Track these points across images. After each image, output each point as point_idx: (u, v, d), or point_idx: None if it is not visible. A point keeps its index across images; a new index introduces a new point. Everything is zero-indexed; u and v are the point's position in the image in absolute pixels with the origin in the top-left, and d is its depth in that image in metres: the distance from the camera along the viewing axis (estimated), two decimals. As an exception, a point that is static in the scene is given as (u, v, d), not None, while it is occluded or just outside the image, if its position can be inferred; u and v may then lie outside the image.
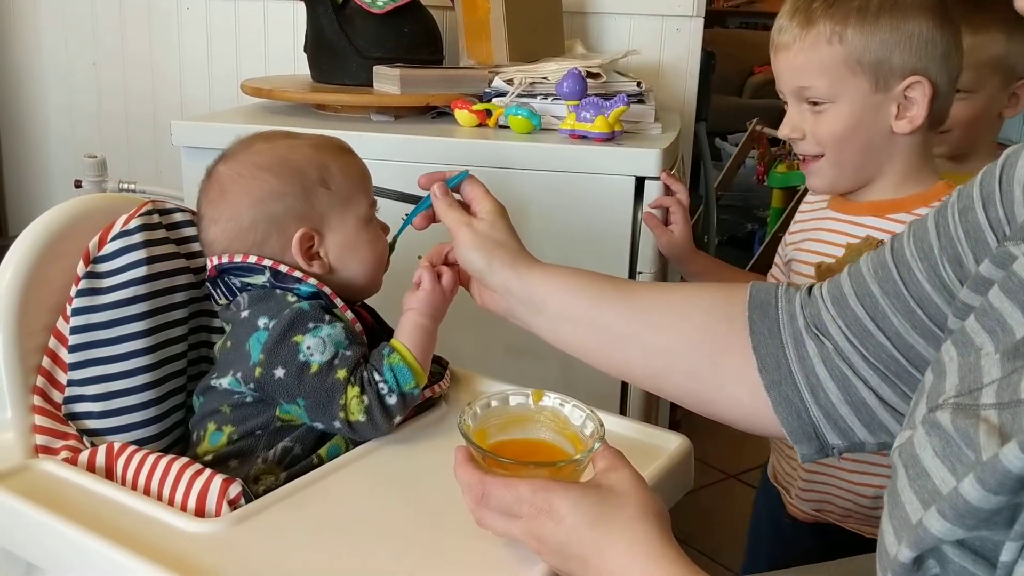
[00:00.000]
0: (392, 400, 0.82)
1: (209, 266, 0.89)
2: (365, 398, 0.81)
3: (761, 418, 0.74)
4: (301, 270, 0.87)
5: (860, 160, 1.05)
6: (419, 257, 0.90)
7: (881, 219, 1.05)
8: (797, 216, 1.23)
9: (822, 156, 1.06)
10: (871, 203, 1.07)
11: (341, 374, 0.81)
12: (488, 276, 0.82)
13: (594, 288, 0.81)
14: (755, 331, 0.74)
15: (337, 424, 0.81)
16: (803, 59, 1.02)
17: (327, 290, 0.87)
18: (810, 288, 0.75)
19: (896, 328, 0.67)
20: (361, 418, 0.81)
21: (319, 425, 0.83)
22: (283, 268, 0.86)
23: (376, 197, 0.94)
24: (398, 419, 0.83)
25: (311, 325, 0.82)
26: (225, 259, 0.87)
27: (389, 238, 0.94)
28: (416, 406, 0.88)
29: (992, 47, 1.19)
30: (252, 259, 0.86)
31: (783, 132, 1.08)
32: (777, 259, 1.26)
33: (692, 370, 0.77)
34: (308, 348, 0.81)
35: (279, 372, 0.81)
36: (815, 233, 1.14)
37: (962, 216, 0.63)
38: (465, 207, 0.86)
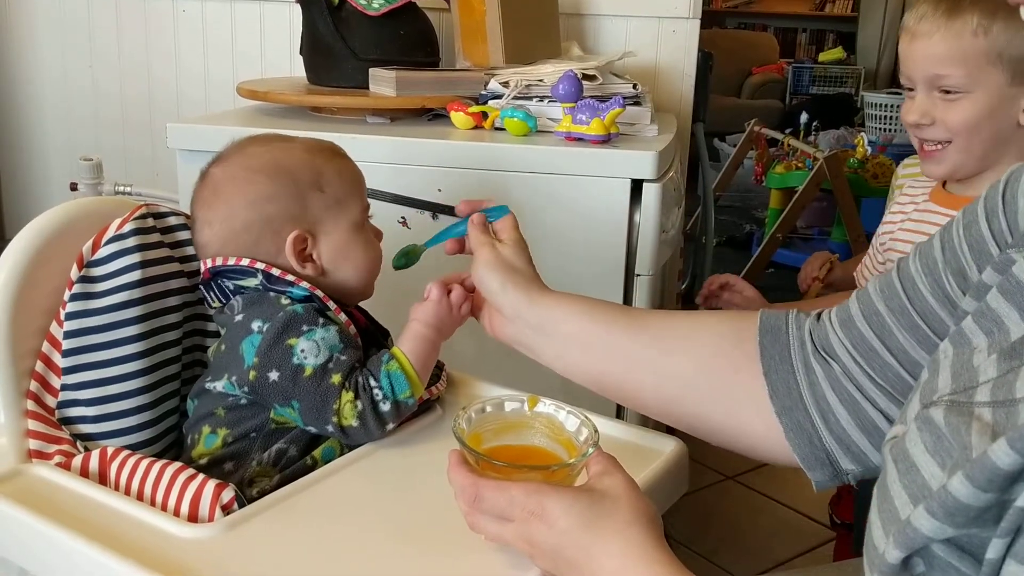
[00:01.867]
0: (386, 407, 0.81)
1: (203, 269, 0.89)
2: (359, 403, 0.80)
3: (773, 445, 0.73)
4: (294, 273, 0.87)
5: (985, 149, 1.09)
6: None
7: None
8: (893, 207, 1.27)
9: (948, 143, 1.10)
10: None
11: (336, 379, 0.81)
12: (500, 297, 0.82)
13: (605, 314, 0.81)
14: (766, 356, 0.74)
15: (330, 428, 0.81)
16: (944, 48, 1.05)
17: (319, 293, 0.87)
18: (819, 313, 0.75)
19: (902, 345, 0.67)
20: (354, 423, 0.81)
21: (312, 429, 0.83)
22: (275, 271, 0.86)
23: (367, 203, 0.94)
24: (391, 426, 0.83)
25: (305, 328, 0.82)
26: (219, 261, 0.87)
27: (421, 243, 0.93)
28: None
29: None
30: (245, 262, 0.86)
31: (911, 118, 1.10)
32: (871, 252, 1.31)
33: (704, 396, 0.76)
34: (302, 351, 0.81)
35: (273, 375, 0.81)
36: (919, 226, 1.18)
37: (966, 231, 0.64)
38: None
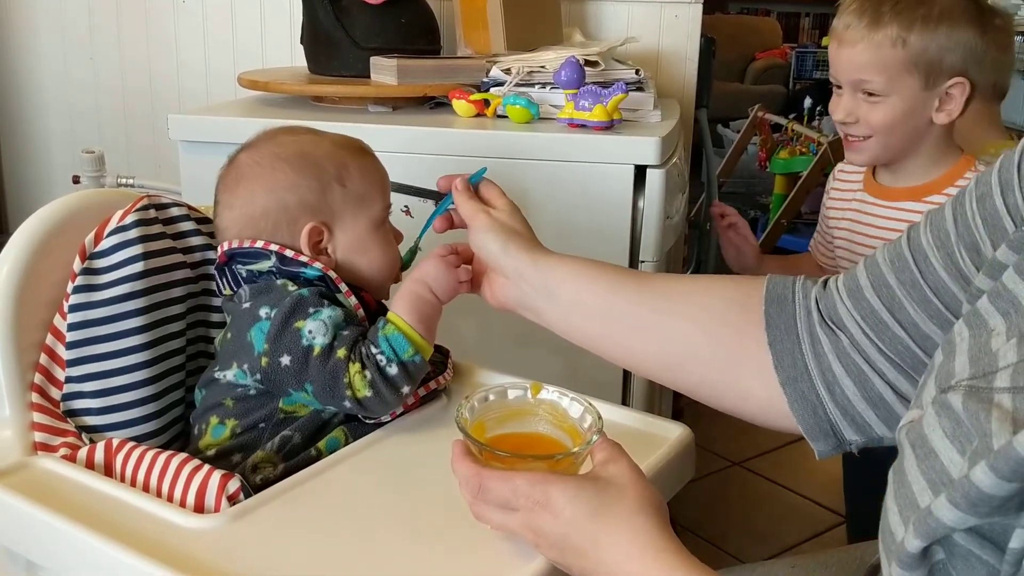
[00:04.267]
0: (393, 370, 0.81)
1: (219, 252, 0.88)
2: (367, 372, 0.80)
3: (776, 413, 0.73)
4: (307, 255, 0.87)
5: (902, 144, 1.22)
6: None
7: (918, 202, 1.23)
8: (832, 190, 1.39)
9: (870, 137, 1.23)
10: (907, 189, 1.25)
11: (341, 353, 0.80)
12: (503, 259, 0.82)
13: (610, 276, 0.81)
14: (771, 326, 0.73)
15: (347, 404, 0.81)
16: (867, 56, 1.17)
17: (332, 274, 0.87)
18: (825, 281, 0.75)
19: (912, 318, 0.67)
20: (368, 393, 0.80)
21: (331, 408, 0.83)
22: (289, 253, 0.86)
23: (390, 202, 0.94)
24: (406, 389, 0.82)
25: (311, 310, 0.82)
26: (235, 244, 0.87)
27: (412, 243, 0.94)
28: (421, 397, 0.88)
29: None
30: (259, 244, 0.86)
31: (838, 116, 1.24)
32: (817, 236, 1.43)
33: (709, 361, 0.76)
34: (310, 332, 0.81)
35: (285, 360, 0.81)
36: (858, 216, 1.30)
37: (980, 203, 0.63)
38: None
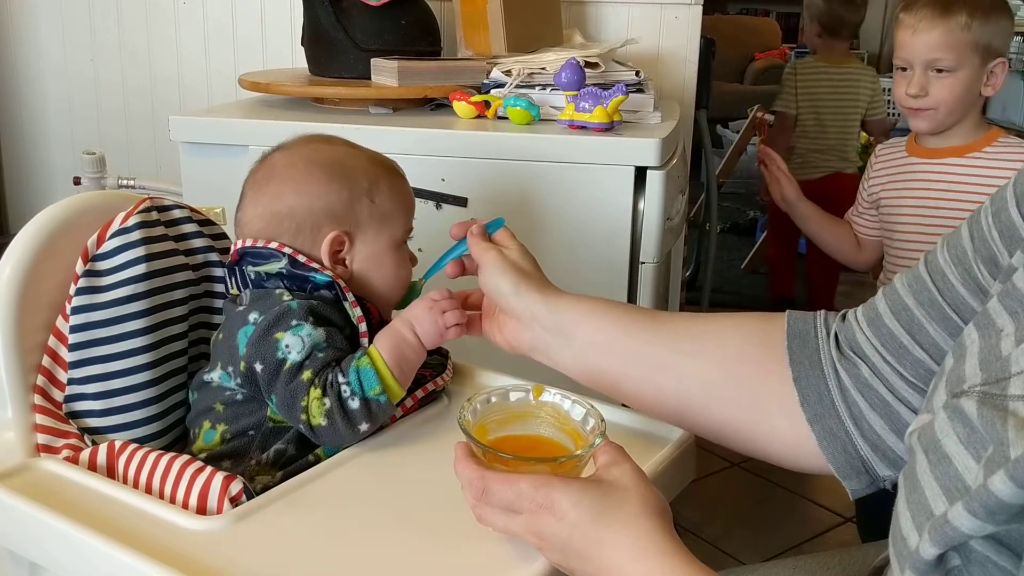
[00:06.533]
0: (354, 404, 0.79)
1: (233, 248, 0.88)
2: (326, 401, 0.79)
3: (804, 452, 0.72)
4: (319, 262, 0.87)
5: (960, 113, 1.48)
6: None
7: (960, 158, 1.49)
8: (875, 163, 1.61)
9: (934, 109, 1.47)
10: (952, 148, 1.50)
11: (306, 375, 0.80)
12: (514, 300, 0.80)
13: (626, 315, 0.79)
14: (795, 361, 0.72)
15: (302, 427, 0.80)
16: (943, 39, 1.43)
17: (341, 283, 0.86)
18: (844, 314, 0.74)
19: (932, 338, 0.66)
20: (322, 422, 0.79)
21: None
22: (301, 257, 0.86)
23: (412, 226, 0.94)
24: (364, 427, 0.80)
25: (293, 323, 0.81)
26: (248, 243, 0.87)
27: (418, 276, 0.94)
28: (420, 399, 0.88)
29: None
30: (273, 245, 0.86)
31: (912, 91, 1.47)
32: (857, 208, 1.64)
33: (731, 400, 0.74)
34: (287, 346, 0.80)
35: (258, 367, 0.81)
36: (904, 176, 1.54)
37: (995, 218, 0.63)
38: None
